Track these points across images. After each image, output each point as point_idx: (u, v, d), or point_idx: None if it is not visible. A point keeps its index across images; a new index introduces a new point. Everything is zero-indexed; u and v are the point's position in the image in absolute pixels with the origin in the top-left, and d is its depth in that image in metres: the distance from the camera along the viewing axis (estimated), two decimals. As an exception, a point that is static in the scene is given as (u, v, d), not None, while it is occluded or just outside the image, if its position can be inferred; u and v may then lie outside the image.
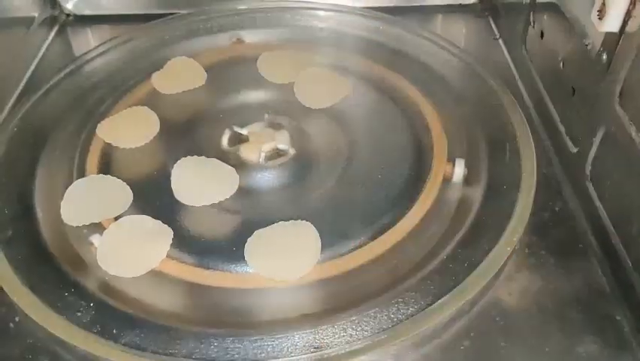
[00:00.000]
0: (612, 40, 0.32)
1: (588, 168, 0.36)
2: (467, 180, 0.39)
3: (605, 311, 0.32)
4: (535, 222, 0.36)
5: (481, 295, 0.33)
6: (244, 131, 0.42)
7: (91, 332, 0.30)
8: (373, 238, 0.35)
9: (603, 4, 0.31)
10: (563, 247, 0.35)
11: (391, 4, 0.57)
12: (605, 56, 0.33)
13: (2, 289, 0.32)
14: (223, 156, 0.41)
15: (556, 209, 0.37)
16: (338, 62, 0.49)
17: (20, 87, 0.49)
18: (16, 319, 0.32)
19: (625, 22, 0.31)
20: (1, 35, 0.50)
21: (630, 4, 0.30)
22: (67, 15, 0.57)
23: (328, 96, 0.45)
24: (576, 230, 0.36)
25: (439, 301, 0.31)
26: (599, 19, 0.32)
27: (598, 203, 0.35)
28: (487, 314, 0.32)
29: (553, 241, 0.35)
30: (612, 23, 0.31)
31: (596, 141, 0.35)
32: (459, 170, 0.39)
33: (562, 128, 0.40)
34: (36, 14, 0.54)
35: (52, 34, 0.56)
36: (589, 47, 0.35)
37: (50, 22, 0.56)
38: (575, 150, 0.38)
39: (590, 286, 0.33)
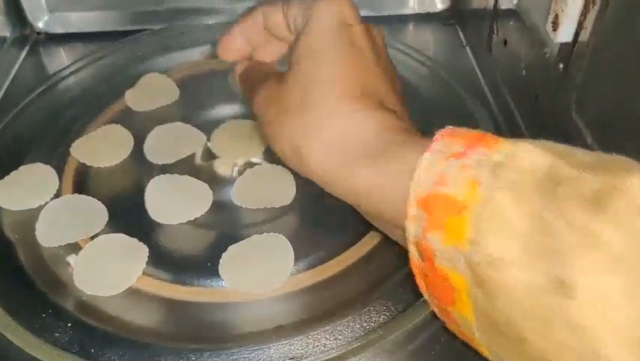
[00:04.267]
0: (568, 50, 0.34)
1: (551, 173, 0.37)
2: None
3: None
4: (502, 227, 0.37)
5: (451, 300, 0.33)
6: (217, 146, 0.43)
7: (70, 352, 0.31)
8: (346, 248, 0.36)
9: (557, 16, 0.32)
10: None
11: (362, 15, 0.58)
12: (561, 65, 0.35)
13: (-21, 313, 0.32)
14: (197, 172, 0.41)
15: (522, 213, 0.39)
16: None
17: (-8, 108, 0.49)
18: (-6, 342, 0.32)
19: (577, 33, 0.32)
20: (-28, 57, 0.50)
21: (581, 15, 0.31)
22: (39, 34, 0.57)
23: (300, 108, 0.46)
24: (541, 233, 0.37)
25: (411, 307, 0.32)
26: (554, 30, 0.33)
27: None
28: (457, 318, 0.33)
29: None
30: (565, 34, 0.33)
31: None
32: (428, 177, 0.39)
33: (527, 134, 0.41)
34: (7, 34, 0.54)
35: (24, 53, 0.56)
36: (547, 56, 0.37)
37: (21, 41, 0.56)
38: (538, 154, 0.39)
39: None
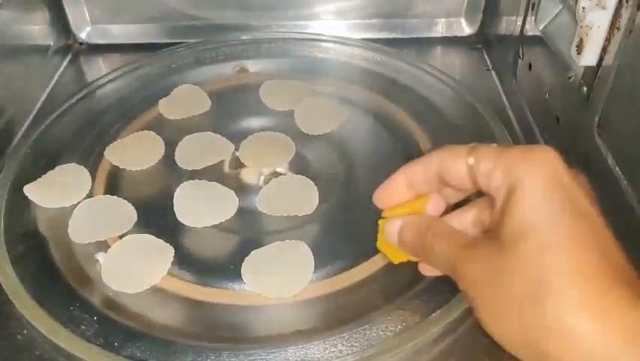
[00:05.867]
0: (591, 74, 0.34)
1: (572, 194, 0.38)
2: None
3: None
4: (521, 246, 0.37)
5: (467, 314, 0.34)
6: (245, 156, 0.44)
7: (94, 344, 0.32)
8: (365, 259, 0.37)
9: (581, 40, 0.33)
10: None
11: (390, 37, 0.60)
12: (584, 88, 0.35)
13: (12, 303, 0.34)
14: (224, 179, 0.43)
15: (542, 233, 0.39)
16: (337, 91, 0.51)
17: (34, 111, 0.52)
18: (24, 331, 0.34)
19: (601, 57, 0.33)
20: (18, 62, 0.52)
21: (605, 40, 0.32)
22: (81, 44, 0.60)
23: (326, 123, 0.47)
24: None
25: (426, 319, 0.33)
26: (578, 53, 0.34)
27: (581, 228, 0.36)
28: (472, 333, 0.33)
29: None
30: (589, 58, 0.33)
31: (578, 168, 0.36)
32: (449, 195, 0.40)
33: (548, 156, 0.42)
34: (51, 43, 0.57)
35: (66, 61, 0.59)
36: (571, 80, 0.37)
37: (64, 50, 0.59)
38: (560, 176, 0.40)
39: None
